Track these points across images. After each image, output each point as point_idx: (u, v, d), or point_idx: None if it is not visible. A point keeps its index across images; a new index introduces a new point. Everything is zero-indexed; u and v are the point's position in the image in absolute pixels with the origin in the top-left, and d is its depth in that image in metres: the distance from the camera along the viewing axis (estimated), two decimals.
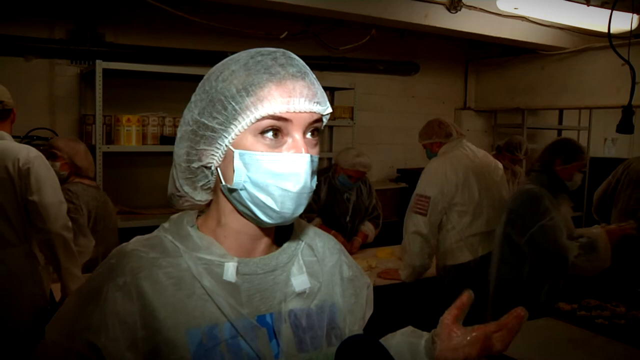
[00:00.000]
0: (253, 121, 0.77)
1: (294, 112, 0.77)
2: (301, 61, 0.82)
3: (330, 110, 0.83)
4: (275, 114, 0.77)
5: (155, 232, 0.88)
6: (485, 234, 2.73)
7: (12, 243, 2.32)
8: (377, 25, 4.38)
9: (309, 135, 0.81)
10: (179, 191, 0.87)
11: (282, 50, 0.82)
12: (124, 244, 0.86)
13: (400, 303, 2.85)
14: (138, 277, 0.80)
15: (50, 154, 2.80)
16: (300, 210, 0.82)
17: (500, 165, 3.07)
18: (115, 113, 3.55)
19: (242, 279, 0.84)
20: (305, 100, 0.78)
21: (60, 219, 2.35)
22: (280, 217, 0.80)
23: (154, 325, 0.78)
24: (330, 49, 4.75)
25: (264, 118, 0.77)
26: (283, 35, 4.30)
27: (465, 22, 4.26)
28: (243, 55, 0.81)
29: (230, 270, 0.83)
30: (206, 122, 0.80)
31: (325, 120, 0.84)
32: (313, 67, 0.85)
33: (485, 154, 3.04)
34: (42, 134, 3.72)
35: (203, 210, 0.91)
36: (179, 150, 0.84)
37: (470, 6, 4.20)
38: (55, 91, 3.92)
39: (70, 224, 2.42)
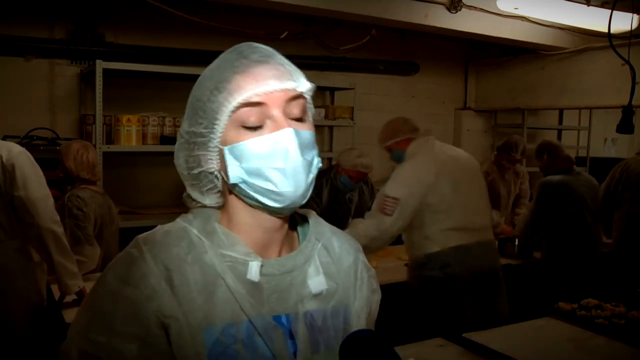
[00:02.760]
0: (229, 114, 0.80)
1: (264, 93, 0.79)
2: (266, 47, 0.84)
3: (307, 85, 0.84)
4: (248, 101, 0.79)
5: (180, 223, 0.88)
6: (453, 229, 2.62)
7: (0, 239, 2.31)
8: (377, 25, 4.37)
9: (297, 112, 0.82)
10: (189, 197, 0.91)
11: (246, 43, 0.84)
12: (149, 232, 0.86)
13: (395, 303, 2.84)
14: (169, 268, 0.81)
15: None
16: (302, 187, 0.81)
17: (474, 160, 2.93)
18: (115, 113, 3.55)
19: (262, 279, 0.85)
20: (273, 81, 0.80)
21: (48, 213, 2.33)
22: (286, 198, 0.80)
23: (178, 316, 0.79)
24: (330, 49, 4.75)
25: (237, 108, 0.79)
26: (283, 35, 4.29)
27: (465, 22, 4.26)
28: (215, 61, 0.85)
29: (254, 269, 0.84)
30: (195, 130, 0.83)
31: (308, 97, 0.85)
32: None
33: (457, 150, 2.91)
34: (42, 134, 3.72)
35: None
36: (178, 160, 0.88)
37: (470, 6, 4.20)
38: (55, 91, 3.92)
39: (58, 218, 2.40)
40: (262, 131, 0.80)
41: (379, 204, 2.66)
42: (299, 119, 0.82)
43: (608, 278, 3.23)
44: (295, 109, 0.82)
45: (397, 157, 2.84)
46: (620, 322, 2.17)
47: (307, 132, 0.82)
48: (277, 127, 0.80)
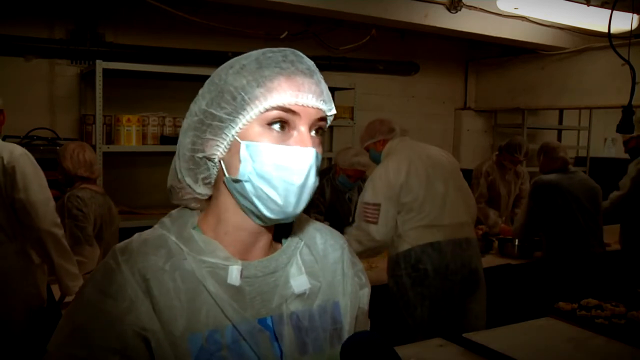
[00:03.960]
0: (262, 111, 0.78)
1: (302, 105, 0.79)
2: (309, 60, 0.84)
3: (334, 111, 0.84)
4: (284, 105, 0.78)
5: (158, 230, 0.86)
6: (424, 227, 2.62)
7: (0, 241, 2.30)
8: (377, 25, 4.38)
9: (313, 133, 0.82)
10: (180, 182, 0.87)
11: (290, 49, 0.84)
12: (127, 241, 0.85)
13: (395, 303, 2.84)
14: (146, 278, 0.79)
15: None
16: (302, 207, 0.81)
17: (452, 158, 2.90)
18: (115, 113, 3.55)
19: (244, 282, 0.84)
20: (313, 96, 0.80)
21: (48, 216, 2.32)
22: (282, 211, 0.80)
23: (156, 327, 0.78)
24: (330, 49, 4.75)
25: (272, 108, 0.78)
26: (283, 35, 4.30)
27: (465, 22, 4.26)
28: (253, 53, 0.83)
29: (234, 273, 0.83)
30: (214, 112, 0.80)
31: (329, 121, 0.85)
32: None
33: (433, 149, 2.87)
34: (42, 134, 3.72)
35: (201, 210, 0.90)
36: (184, 139, 0.84)
37: (470, 6, 4.21)
38: (55, 91, 3.93)
39: (59, 220, 2.38)
40: (286, 140, 0.80)
41: (360, 213, 2.67)
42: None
43: (608, 278, 3.23)
44: (319, 131, 0.83)
45: (374, 157, 2.89)
46: (620, 322, 2.17)
47: (320, 155, 0.83)
48: (303, 142, 0.79)
